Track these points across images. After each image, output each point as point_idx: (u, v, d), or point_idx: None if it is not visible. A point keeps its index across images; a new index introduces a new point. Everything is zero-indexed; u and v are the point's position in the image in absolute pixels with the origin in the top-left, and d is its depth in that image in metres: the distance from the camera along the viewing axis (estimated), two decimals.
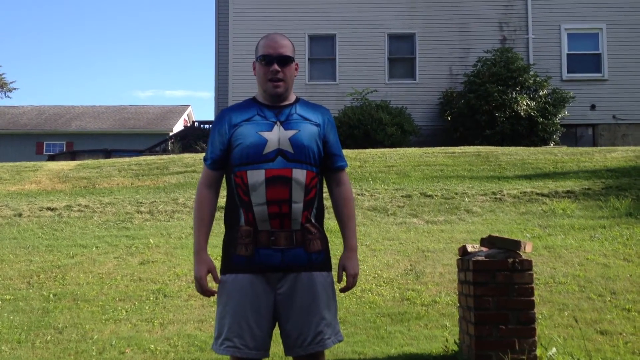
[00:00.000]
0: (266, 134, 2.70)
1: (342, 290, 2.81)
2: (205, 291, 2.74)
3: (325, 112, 2.90)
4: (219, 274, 2.75)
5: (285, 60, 2.78)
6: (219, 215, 2.86)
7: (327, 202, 2.98)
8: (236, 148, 2.72)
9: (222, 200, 2.84)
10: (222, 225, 2.84)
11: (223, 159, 2.77)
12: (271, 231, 2.66)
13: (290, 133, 2.72)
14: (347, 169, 3.05)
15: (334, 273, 2.82)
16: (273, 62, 2.76)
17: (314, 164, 2.75)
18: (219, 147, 2.77)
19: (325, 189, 2.90)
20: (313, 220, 2.74)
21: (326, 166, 2.85)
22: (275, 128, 2.72)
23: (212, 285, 2.82)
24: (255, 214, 2.65)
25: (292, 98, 2.85)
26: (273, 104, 2.80)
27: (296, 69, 2.86)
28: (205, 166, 2.82)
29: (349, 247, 2.84)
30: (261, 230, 2.66)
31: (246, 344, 2.64)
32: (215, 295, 2.78)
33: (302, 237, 2.69)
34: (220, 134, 2.77)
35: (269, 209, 2.64)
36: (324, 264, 2.77)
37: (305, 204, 2.69)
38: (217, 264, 2.82)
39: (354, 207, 2.92)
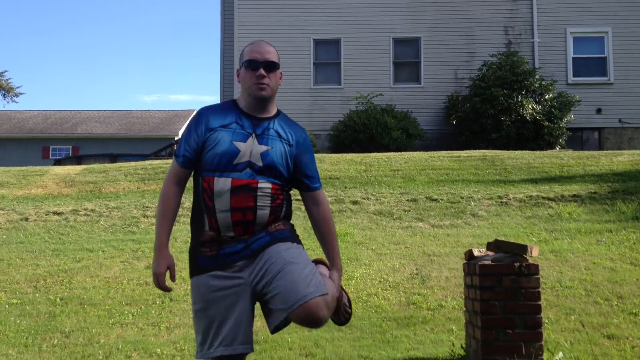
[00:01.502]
0: (240, 145, 2.71)
1: None
2: (163, 287, 2.75)
3: (302, 133, 2.88)
4: (181, 274, 2.78)
5: (272, 66, 2.79)
6: (182, 212, 2.87)
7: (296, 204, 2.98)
8: (208, 152, 2.72)
9: (188, 203, 2.85)
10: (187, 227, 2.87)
11: (195, 159, 2.77)
12: (234, 236, 2.68)
13: (263, 148, 2.72)
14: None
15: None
16: (259, 67, 2.76)
17: (281, 179, 2.76)
18: (194, 147, 2.76)
19: (296, 197, 2.90)
20: (279, 220, 2.76)
21: (301, 187, 2.87)
22: (250, 140, 2.73)
23: (170, 283, 2.83)
24: (219, 220, 2.67)
25: (272, 111, 2.84)
26: (253, 114, 2.79)
27: (280, 78, 2.86)
28: (176, 162, 2.80)
29: (336, 267, 2.86)
30: (224, 235, 2.68)
31: (231, 343, 2.65)
32: (172, 291, 2.81)
33: (265, 227, 2.72)
34: (197, 134, 2.76)
35: (232, 216, 2.65)
36: (289, 238, 2.74)
37: (271, 209, 2.71)
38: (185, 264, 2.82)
39: (334, 226, 2.91)
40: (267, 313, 2.70)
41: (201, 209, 2.72)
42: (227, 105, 2.84)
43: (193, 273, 2.76)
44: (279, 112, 2.87)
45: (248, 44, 2.88)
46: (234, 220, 2.65)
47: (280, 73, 2.86)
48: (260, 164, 2.70)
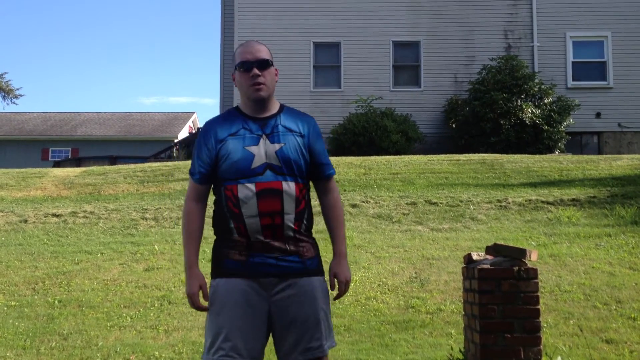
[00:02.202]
0: (253, 149, 2.69)
1: (335, 297, 2.80)
2: (198, 307, 2.71)
3: (310, 120, 2.87)
4: (208, 280, 2.74)
5: (265, 64, 2.76)
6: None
7: (317, 209, 2.99)
8: (224, 164, 2.70)
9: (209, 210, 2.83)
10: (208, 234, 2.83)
11: (211, 173, 2.75)
12: (264, 241, 2.65)
13: (276, 147, 2.71)
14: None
15: (326, 278, 2.82)
16: (252, 67, 2.74)
17: (302, 175, 2.75)
18: (207, 162, 2.74)
19: (314, 197, 2.90)
20: (303, 231, 2.74)
21: (314, 175, 2.85)
22: (261, 142, 2.71)
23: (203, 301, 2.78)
24: (247, 226, 2.64)
25: (275, 107, 2.82)
26: (257, 116, 2.77)
27: (276, 74, 2.83)
28: (193, 180, 2.79)
29: (339, 253, 2.84)
30: (254, 240, 2.66)
31: (240, 353, 2.60)
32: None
33: (295, 244, 2.70)
34: (208, 149, 2.74)
35: (261, 221, 2.63)
36: (318, 269, 2.77)
37: (296, 215, 2.69)
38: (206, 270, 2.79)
39: (343, 214, 2.92)
40: (279, 347, 2.72)
41: (225, 215, 2.70)
42: (231, 113, 2.83)
43: (216, 275, 2.71)
44: (282, 107, 2.85)
45: (238, 46, 2.85)
46: (263, 225, 2.63)
47: (276, 70, 2.83)
48: (278, 163, 2.68)
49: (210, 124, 2.81)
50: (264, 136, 2.73)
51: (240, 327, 2.62)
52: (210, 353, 2.63)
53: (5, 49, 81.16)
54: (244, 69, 2.75)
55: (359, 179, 11.68)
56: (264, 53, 2.78)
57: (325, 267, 2.83)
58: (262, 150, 2.69)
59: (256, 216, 2.63)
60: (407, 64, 18.98)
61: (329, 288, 2.81)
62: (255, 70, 2.73)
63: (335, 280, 2.82)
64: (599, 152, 17.88)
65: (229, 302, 2.64)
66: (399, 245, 7.72)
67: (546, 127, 16.25)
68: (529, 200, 9.48)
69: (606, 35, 18.68)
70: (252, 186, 2.65)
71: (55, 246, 8.13)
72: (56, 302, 6.19)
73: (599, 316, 5.43)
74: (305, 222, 2.74)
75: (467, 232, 8.18)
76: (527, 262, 4.12)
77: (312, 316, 2.67)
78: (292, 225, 2.67)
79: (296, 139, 2.76)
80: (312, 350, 2.66)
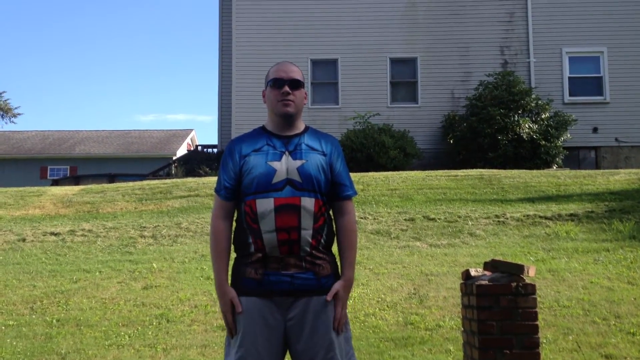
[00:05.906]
0: (275, 164, 2.75)
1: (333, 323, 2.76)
2: (231, 326, 2.73)
3: (333, 141, 2.93)
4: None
5: (296, 84, 2.85)
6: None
7: None
8: (246, 178, 2.76)
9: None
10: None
11: (236, 188, 2.81)
12: (280, 257, 2.69)
13: (298, 163, 2.76)
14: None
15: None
16: (284, 84, 2.82)
17: (322, 192, 2.78)
18: (232, 176, 2.81)
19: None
20: (321, 248, 2.76)
21: (332, 195, 2.87)
22: (284, 158, 2.77)
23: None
24: (265, 241, 2.68)
25: (300, 127, 2.89)
26: (282, 133, 2.84)
27: (305, 97, 2.91)
28: (219, 197, 2.84)
29: (346, 279, 2.84)
30: (270, 256, 2.69)
31: None
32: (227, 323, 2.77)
33: (312, 262, 2.72)
34: (233, 163, 2.82)
35: (278, 236, 2.67)
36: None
37: (314, 231, 2.72)
38: None
39: (356, 239, 2.93)
40: None
41: (245, 231, 2.75)
42: (256, 132, 2.90)
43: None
44: (307, 128, 2.92)
45: (274, 65, 2.95)
46: (279, 240, 2.67)
47: (305, 92, 2.92)
48: (299, 179, 2.73)
49: (235, 142, 2.89)
50: (286, 153, 2.79)
51: (256, 346, 2.66)
52: None
53: (3, 68, 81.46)
54: (276, 86, 2.83)
55: (358, 196, 11.64)
56: (296, 74, 2.88)
57: None
58: (283, 166, 2.75)
59: (273, 231, 2.67)
60: (404, 80, 19.07)
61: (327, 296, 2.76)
62: (287, 88, 2.82)
63: (334, 300, 2.77)
64: (597, 167, 17.92)
65: (245, 320, 2.69)
66: (398, 261, 7.71)
67: (543, 142, 16.30)
68: (527, 215, 9.49)
69: (602, 50, 18.80)
70: (270, 201, 2.69)
71: (54, 265, 8.11)
72: (54, 321, 6.17)
73: (598, 331, 5.42)
74: (323, 238, 2.77)
75: (466, 248, 8.18)
76: (525, 277, 4.11)
77: (324, 335, 2.69)
78: (310, 241, 2.70)
79: (318, 157, 2.81)
80: None
